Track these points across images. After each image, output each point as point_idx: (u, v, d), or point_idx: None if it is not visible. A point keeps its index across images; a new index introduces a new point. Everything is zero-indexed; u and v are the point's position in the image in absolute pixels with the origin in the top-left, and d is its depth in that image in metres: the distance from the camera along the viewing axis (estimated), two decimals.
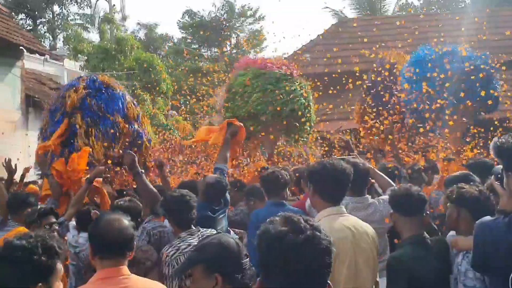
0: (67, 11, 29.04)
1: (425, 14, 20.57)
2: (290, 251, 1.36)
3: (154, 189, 4.03)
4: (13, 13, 14.69)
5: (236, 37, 33.00)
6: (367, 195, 3.33)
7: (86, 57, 19.29)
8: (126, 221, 2.27)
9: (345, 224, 2.58)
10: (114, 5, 23.03)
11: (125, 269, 2.21)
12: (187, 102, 11.08)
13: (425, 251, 2.64)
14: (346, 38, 14.92)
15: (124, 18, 28.97)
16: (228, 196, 4.53)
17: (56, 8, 28.84)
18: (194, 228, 3.24)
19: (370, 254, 2.60)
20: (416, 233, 2.71)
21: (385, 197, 3.33)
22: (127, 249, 2.23)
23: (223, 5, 31.52)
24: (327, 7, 23.60)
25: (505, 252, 1.87)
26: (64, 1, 28.28)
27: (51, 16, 28.97)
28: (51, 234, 2.00)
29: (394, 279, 2.62)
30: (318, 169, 2.71)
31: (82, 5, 28.89)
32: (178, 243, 3.10)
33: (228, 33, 31.76)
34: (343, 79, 8.47)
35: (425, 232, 2.74)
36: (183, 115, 13.03)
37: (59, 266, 1.93)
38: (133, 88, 17.33)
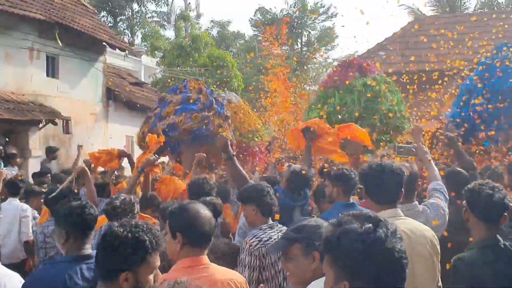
0: (145, 9, 30.30)
1: (510, 11, 19.44)
2: (381, 246, 1.37)
3: (246, 174, 4.07)
4: (96, 11, 15.53)
5: (308, 34, 32.86)
6: (416, 202, 3.23)
7: (162, 54, 20.01)
8: (208, 210, 2.35)
9: (401, 228, 2.52)
10: (189, 3, 23.71)
11: (206, 258, 2.28)
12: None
13: (495, 256, 2.51)
14: (423, 36, 14.43)
15: (198, 16, 29.79)
16: (308, 192, 4.58)
17: (135, 6, 30.15)
18: (273, 221, 3.28)
19: (428, 258, 2.55)
20: (488, 236, 2.59)
21: (432, 201, 3.26)
22: (211, 238, 2.31)
23: (295, 2, 31.49)
24: (403, 4, 22.87)
25: None
26: None
27: (130, 13, 30.30)
28: (150, 225, 2.01)
29: (456, 281, 2.53)
30: (369, 171, 2.69)
31: (159, 3, 30.02)
32: (261, 234, 3.12)
33: (300, 31, 31.70)
34: (416, 78, 8.21)
35: (498, 236, 2.62)
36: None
37: (152, 258, 1.94)
38: (206, 84, 17.79)
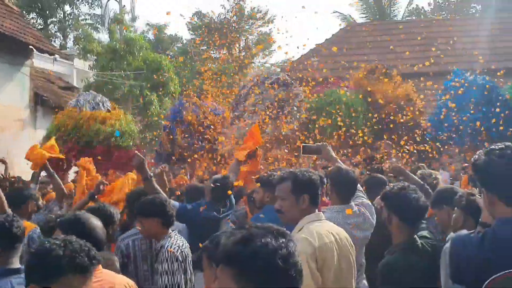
0: (78, 11, 29.29)
1: (435, 19, 20.52)
2: (290, 260, 1.36)
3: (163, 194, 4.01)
4: (24, 12, 14.83)
5: (245, 39, 33.05)
6: (352, 203, 3.30)
7: (95, 57, 19.41)
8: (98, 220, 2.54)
9: (328, 230, 2.60)
10: (124, 5, 23.18)
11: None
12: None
13: (417, 257, 2.61)
14: (354, 42, 14.93)
15: (133, 19, 29.18)
16: (233, 200, 4.57)
17: (67, 8, 29.08)
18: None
19: (350, 259, 2.61)
20: (408, 238, 2.69)
21: (361, 200, 3.36)
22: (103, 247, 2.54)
23: (232, 7, 31.58)
24: (336, 12, 23.58)
25: (476, 267, 1.87)
26: (75, 1, 28.51)
27: (62, 15, 29.19)
28: (86, 245, 1.89)
29: (385, 285, 2.62)
30: (308, 177, 2.72)
31: (92, 5, 29.13)
32: (174, 241, 3.28)
33: (238, 35, 31.82)
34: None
35: (416, 237, 2.72)
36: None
37: (67, 280, 1.78)
38: (141, 88, 17.44)
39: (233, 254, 1.35)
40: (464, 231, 2.17)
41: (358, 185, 3.55)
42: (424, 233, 2.88)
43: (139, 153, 4.24)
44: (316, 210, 2.72)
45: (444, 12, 27.60)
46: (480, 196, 2.79)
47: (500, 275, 1.80)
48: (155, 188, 3.93)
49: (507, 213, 1.89)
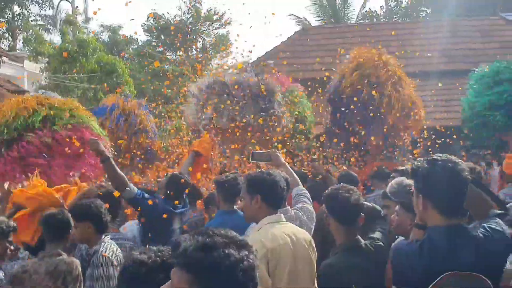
0: (27, 11, 28.30)
1: (387, 23, 21.09)
2: (251, 272, 1.35)
3: (124, 176, 4.02)
4: None
5: (202, 41, 32.90)
6: (288, 207, 3.32)
7: (47, 59, 18.84)
8: None
9: (285, 231, 2.64)
10: (77, 6, 22.62)
11: None
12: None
13: (358, 258, 2.65)
14: (309, 45, 15.13)
15: (87, 20, 28.49)
16: (187, 200, 4.56)
17: (16, 8, 28.07)
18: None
19: (308, 260, 2.65)
20: (349, 238, 2.72)
21: (301, 205, 3.38)
22: None
23: (189, 9, 31.38)
24: (292, 14, 23.85)
25: (418, 275, 1.99)
26: (24, 1, 27.56)
27: (10, 16, 28.15)
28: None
29: (325, 286, 2.65)
30: (262, 177, 2.77)
31: (43, 6, 28.25)
32: (109, 246, 3.20)
33: (194, 37, 31.64)
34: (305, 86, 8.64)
35: (359, 237, 2.77)
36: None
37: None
38: (95, 90, 17.04)
39: (193, 260, 1.32)
40: (404, 241, 2.24)
41: (301, 189, 3.59)
42: (376, 234, 2.92)
43: (92, 137, 4.20)
44: (278, 211, 2.76)
45: (396, 16, 28.41)
46: None
47: (440, 279, 1.92)
48: (115, 169, 3.90)
49: (439, 220, 2.03)
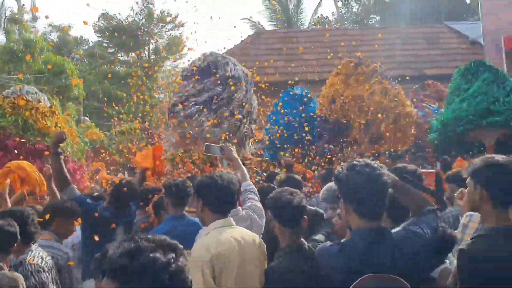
0: None
1: (338, 29, 21.55)
2: (180, 276, 1.35)
3: (68, 175, 4.09)
4: None
5: (155, 42, 32.47)
6: (239, 207, 3.30)
7: None
8: None
9: (233, 236, 2.64)
10: (23, 4, 21.84)
11: None
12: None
13: (302, 260, 2.64)
14: (262, 49, 15.26)
15: (34, 19, 27.55)
16: (134, 208, 4.48)
17: None
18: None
19: (257, 263, 2.66)
20: (293, 241, 2.71)
21: (250, 203, 3.36)
22: None
23: (141, 10, 30.90)
24: (245, 18, 23.96)
25: (339, 276, 2.09)
26: None
27: None
28: None
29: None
30: (206, 182, 2.76)
31: None
32: (37, 253, 3.11)
33: (147, 39, 31.19)
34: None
35: (303, 240, 2.77)
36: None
37: None
38: (42, 92, 16.48)
39: (119, 267, 1.30)
40: (328, 243, 2.30)
41: (248, 184, 3.53)
42: (319, 236, 2.95)
43: (62, 131, 4.35)
44: (227, 215, 2.76)
45: (346, 22, 29.09)
46: None
47: (360, 280, 1.99)
48: (61, 165, 3.99)
49: (360, 224, 2.12)
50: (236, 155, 3.85)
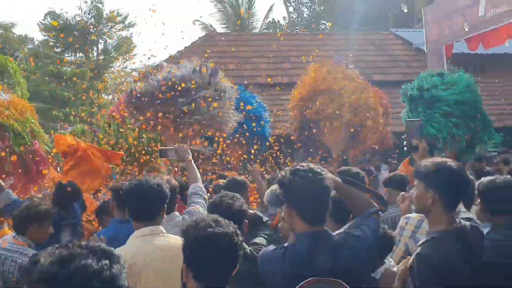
0: None
1: (289, 33, 21.82)
2: (115, 283, 1.29)
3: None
4: None
5: (104, 42, 31.77)
6: (176, 212, 3.28)
7: None
8: None
9: (158, 244, 2.53)
10: None
11: None
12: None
13: (244, 265, 2.48)
14: (213, 51, 15.23)
15: None
16: (78, 210, 4.36)
17: None
18: None
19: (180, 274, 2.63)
20: None
21: (191, 208, 3.31)
22: None
23: (90, 9, 30.16)
24: (197, 20, 23.82)
25: (279, 281, 2.08)
26: None
27: None
28: None
29: None
30: (127, 190, 2.67)
31: None
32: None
33: (95, 38, 30.45)
34: None
35: (244, 244, 2.74)
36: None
37: None
38: None
39: (47, 276, 1.23)
40: (271, 247, 2.27)
41: (196, 186, 3.49)
42: (259, 240, 2.93)
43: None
44: (155, 222, 2.63)
45: (297, 27, 29.52)
46: None
47: (302, 284, 1.98)
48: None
49: (304, 228, 2.12)
50: (189, 156, 3.79)
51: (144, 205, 2.60)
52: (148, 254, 2.45)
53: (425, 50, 11.88)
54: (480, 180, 3.07)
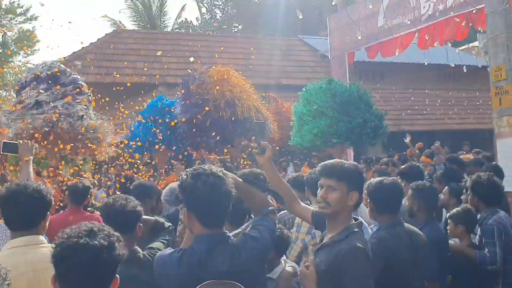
0: None
1: (201, 34, 21.78)
2: None
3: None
4: None
5: (3, 35, 29.64)
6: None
7: None
8: None
9: (29, 258, 2.32)
10: None
11: None
12: None
13: (137, 269, 2.56)
14: (120, 49, 14.78)
15: None
16: None
17: None
18: None
19: None
20: (128, 250, 2.54)
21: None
22: None
23: None
24: (106, 16, 23.00)
25: (176, 285, 2.05)
26: None
27: None
28: None
29: None
30: (2, 194, 2.47)
31: None
32: None
33: None
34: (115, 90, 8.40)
35: (137, 248, 2.68)
36: None
37: None
38: None
39: None
40: (167, 250, 2.21)
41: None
42: (156, 244, 2.86)
43: None
44: (31, 231, 2.41)
45: (210, 29, 29.55)
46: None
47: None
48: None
49: (202, 231, 2.10)
50: (30, 156, 3.60)
51: (19, 212, 2.38)
52: (16, 267, 2.18)
53: (329, 57, 12.39)
54: (369, 181, 3.28)
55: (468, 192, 4.27)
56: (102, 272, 1.74)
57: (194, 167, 2.17)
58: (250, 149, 2.75)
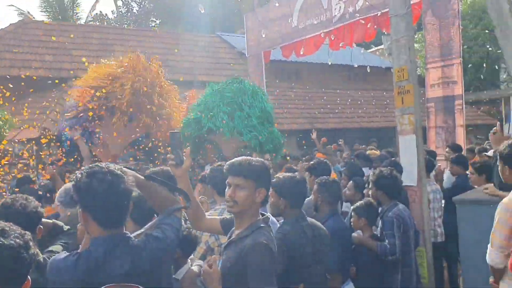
0: None
1: (115, 27, 21.08)
2: None
3: None
4: None
5: None
6: None
7: None
8: None
9: None
10: None
11: None
12: None
13: (37, 273, 2.36)
14: (27, 40, 13.91)
15: None
16: None
17: None
18: None
19: None
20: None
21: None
22: None
23: None
24: (12, 5, 21.57)
25: None
26: None
27: None
28: None
29: None
30: None
31: None
32: None
33: None
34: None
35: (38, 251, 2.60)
36: None
37: None
38: None
39: None
40: (63, 253, 2.09)
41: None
42: (55, 247, 2.74)
43: None
44: None
45: (126, 22, 28.71)
46: None
47: None
48: None
49: (100, 232, 2.00)
50: None
51: None
52: None
53: (246, 55, 12.49)
54: (277, 177, 3.35)
55: (370, 186, 4.50)
56: (19, 272, 1.66)
57: (90, 165, 2.05)
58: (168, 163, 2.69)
